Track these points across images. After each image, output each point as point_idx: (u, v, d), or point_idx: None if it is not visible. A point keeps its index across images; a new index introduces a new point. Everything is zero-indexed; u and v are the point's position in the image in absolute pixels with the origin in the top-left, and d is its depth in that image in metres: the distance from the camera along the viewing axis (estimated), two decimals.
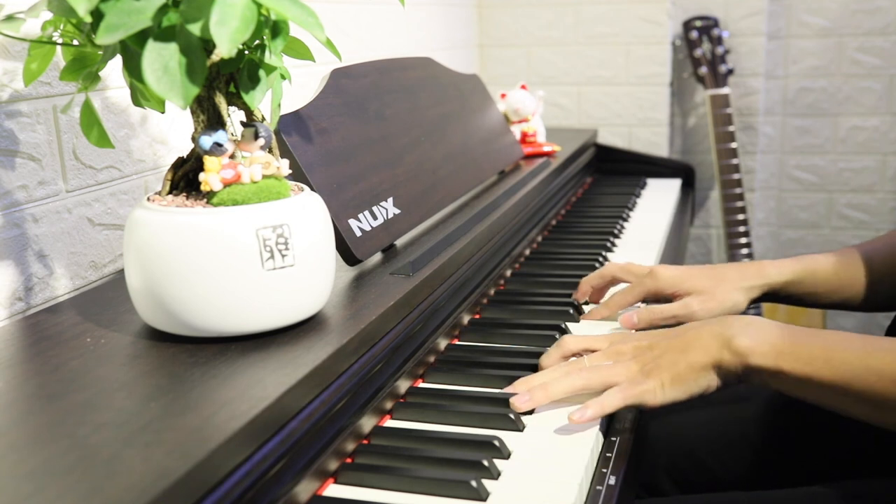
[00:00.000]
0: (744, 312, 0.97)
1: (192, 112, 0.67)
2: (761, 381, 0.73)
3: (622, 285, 1.04)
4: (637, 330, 0.95)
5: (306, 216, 0.67)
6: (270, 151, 0.71)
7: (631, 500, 0.75)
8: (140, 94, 0.72)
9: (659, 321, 0.95)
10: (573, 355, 0.83)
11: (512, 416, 0.74)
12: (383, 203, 0.93)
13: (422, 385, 0.83)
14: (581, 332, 0.97)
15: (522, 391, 0.76)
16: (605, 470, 0.70)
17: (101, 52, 0.66)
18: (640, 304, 1.01)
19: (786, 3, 2.24)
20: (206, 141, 0.65)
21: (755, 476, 1.00)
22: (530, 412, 0.76)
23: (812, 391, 0.72)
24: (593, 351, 0.81)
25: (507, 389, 0.79)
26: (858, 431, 1.01)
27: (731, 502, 0.90)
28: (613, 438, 0.75)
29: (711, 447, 1.02)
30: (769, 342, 0.72)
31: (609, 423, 0.78)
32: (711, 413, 1.03)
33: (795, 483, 0.93)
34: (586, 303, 1.05)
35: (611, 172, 1.91)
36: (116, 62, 0.66)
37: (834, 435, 1.01)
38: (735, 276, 0.97)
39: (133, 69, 0.60)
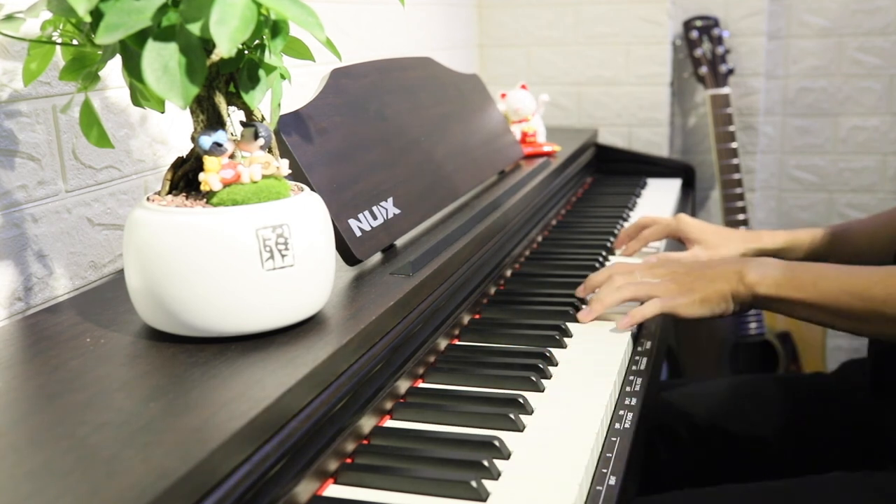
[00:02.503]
0: None
1: (192, 112, 0.67)
2: (766, 305, 0.93)
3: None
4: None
5: (306, 216, 0.67)
6: (270, 151, 0.71)
7: (631, 500, 0.75)
8: (140, 94, 0.71)
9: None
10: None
11: (512, 416, 0.74)
12: (383, 203, 0.93)
13: (422, 385, 0.83)
14: (581, 331, 0.97)
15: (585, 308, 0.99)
16: (605, 470, 0.70)
17: (100, 52, 0.66)
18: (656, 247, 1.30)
19: (786, 3, 2.24)
20: (206, 141, 0.65)
21: (763, 440, 1.12)
22: (530, 413, 0.77)
23: (805, 311, 0.91)
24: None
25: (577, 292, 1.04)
26: (862, 420, 1.06)
27: (727, 496, 0.93)
28: (614, 438, 0.75)
29: (726, 409, 1.17)
30: (771, 276, 0.92)
31: (609, 424, 0.78)
32: (733, 381, 1.24)
33: (799, 454, 1.07)
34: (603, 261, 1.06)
35: (611, 172, 1.91)
36: (116, 62, 0.66)
37: (844, 418, 1.08)
38: (737, 239, 1.22)
39: (133, 69, 0.60)
